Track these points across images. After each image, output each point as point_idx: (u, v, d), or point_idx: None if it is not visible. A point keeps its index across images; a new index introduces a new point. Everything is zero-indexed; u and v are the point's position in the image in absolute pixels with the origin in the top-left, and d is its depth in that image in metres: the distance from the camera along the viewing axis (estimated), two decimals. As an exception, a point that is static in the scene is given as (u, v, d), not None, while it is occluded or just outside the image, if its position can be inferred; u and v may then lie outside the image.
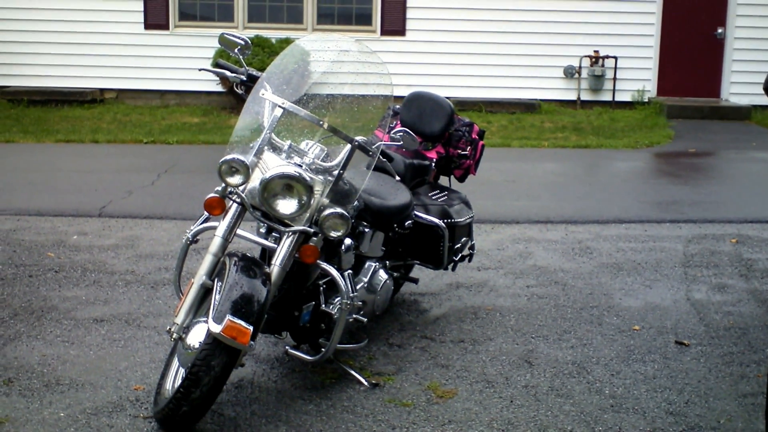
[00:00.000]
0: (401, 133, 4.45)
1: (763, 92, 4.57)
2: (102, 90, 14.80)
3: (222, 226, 4.01)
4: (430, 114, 5.53)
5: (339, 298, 4.16)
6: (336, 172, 4.07)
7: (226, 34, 4.48)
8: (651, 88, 15.15)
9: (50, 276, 5.95)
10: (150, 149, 11.54)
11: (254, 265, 3.89)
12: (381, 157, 4.29)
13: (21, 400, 4.10)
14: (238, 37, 4.45)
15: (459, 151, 5.59)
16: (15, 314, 5.22)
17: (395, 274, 5.18)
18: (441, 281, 6.01)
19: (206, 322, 3.67)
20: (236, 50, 4.44)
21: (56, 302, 5.45)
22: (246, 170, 3.90)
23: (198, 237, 4.28)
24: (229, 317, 3.60)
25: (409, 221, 4.90)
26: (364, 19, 14.89)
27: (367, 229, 4.56)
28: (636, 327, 5.29)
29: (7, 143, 11.59)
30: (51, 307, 5.36)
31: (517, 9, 14.69)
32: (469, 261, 5.69)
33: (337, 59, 4.53)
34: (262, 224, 4.19)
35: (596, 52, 14.80)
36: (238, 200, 4.00)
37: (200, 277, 3.91)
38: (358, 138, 4.07)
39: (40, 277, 5.91)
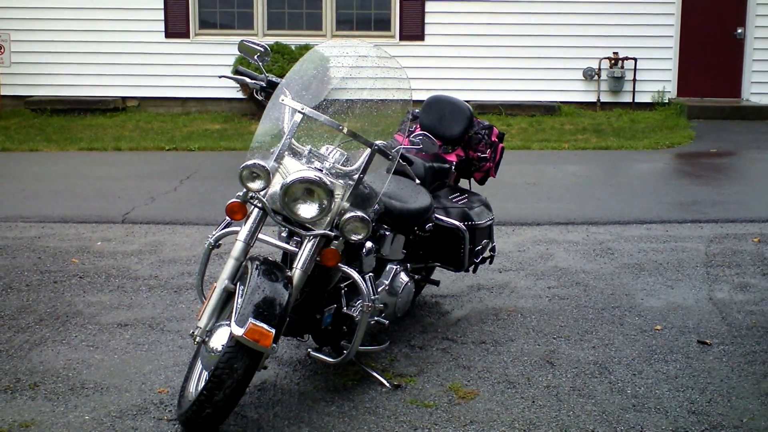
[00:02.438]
0: (421, 137, 4.48)
1: None
2: (124, 98, 14.91)
3: (244, 230, 4.04)
4: (450, 117, 5.55)
5: (360, 301, 4.19)
6: (356, 176, 4.09)
7: (246, 41, 4.53)
8: (671, 89, 15.10)
9: (75, 282, 6.02)
10: (172, 156, 11.62)
11: (276, 268, 3.93)
12: (401, 161, 4.31)
13: (47, 404, 4.15)
14: (258, 44, 4.49)
15: (479, 153, 5.61)
16: (40, 320, 5.28)
17: (416, 276, 5.20)
18: (462, 283, 6.03)
19: (229, 325, 3.71)
20: (256, 57, 4.48)
21: (81, 307, 5.51)
22: (267, 175, 3.94)
23: (220, 242, 4.31)
24: (251, 320, 3.63)
25: (430, 224, 4.93)
26: (383, 24, 14.93)
27: (387, 232, 4.58)
28: (658, 327, 5.28)
29: (32, 152, 11.71)
30: (76, 313, 5.41)
31: (535, 12, 14.69)
32: (490, 263, 5.70)
33: (356, 64, 4.56)
34: (283, 228, 4.22)
35: (615, 53, 14.77)
36: (260, 205, 4.03)
37: (223, 281, 3.95)
38: (378, 142, 4.10)
39: (65, 283, 5.98)
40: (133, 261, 6.54)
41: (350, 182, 4.10)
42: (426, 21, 14.79)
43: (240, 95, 14.32)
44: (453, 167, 5.51)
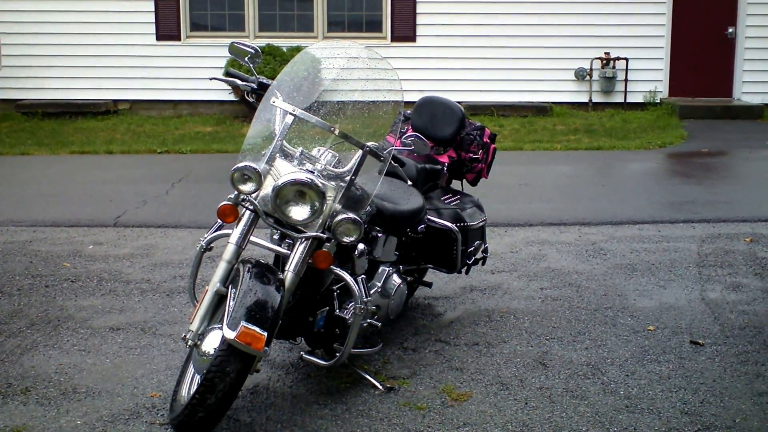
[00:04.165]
0: (412, 138, 4.47)
1: None
2: (115, 101, 14.87)
3: (235, 233, 4.03)
4: (441, 118, 5.55)
5: (353, 303, 4.18)
6: (348, 178, 4.09)
7: (237, 42, 4.51)
8: (663, 89, 15.12)
9: (66, 286, 6.00)
10: (164, 159, 11.60)
11: (268, 271, 3.92)
12: (393, 162, 4.31)
13: (38, 409, 4.13)
14: (248, 46, 4.48)
15: (471, 154, 5.60)
16: (32, 324, 5.26)
17: (409, 278, 5.19)
18: (455, 285, 6.02)
19: (221, 328, 3.70)
20: (246, 59, 4.47)
21: (72, 311, 5.49)
22: (258, 177, 3.93)
23: (212, 245, 4.30)
24: (243, 323, 3.62)
25: (422, 225, 4.92)
26: (375, 26, 14.92)
27: (380, 234, 4.57)
28: (650, 327, 5.29)
29: (23, 155, 11.67)
30: (67, 317, 5.39)
31: (526, 13, 14.69)
32: (483, 264, 5.70)
33: (347, 66, 4.55)
34: (275, 231, 4.21)
35: (607, 53, 14.79)
36: (251, 207, 4.03)
37: (214, 284, 3.93)
38: (370, 143, 4.10)
39: (57, 287, 5.95)
40: (125, 264, 6.52)
41: (342, 184, 4.09)
42: (417, 22, 14.79)
43: (232, 97, 14.30)
44: (445, 168, 5.50)
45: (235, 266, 3.97)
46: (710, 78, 15.22)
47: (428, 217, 5.04)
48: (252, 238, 4.08)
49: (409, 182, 5.03)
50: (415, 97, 5.72)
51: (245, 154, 4.11)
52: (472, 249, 5.38)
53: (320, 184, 3.94)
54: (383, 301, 4.63)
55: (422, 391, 4.39)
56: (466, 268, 5.44)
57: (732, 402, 4.28)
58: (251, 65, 4.49)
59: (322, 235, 4.02)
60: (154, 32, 14.75)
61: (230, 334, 3.60)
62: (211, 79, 5.27)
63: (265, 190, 4.00)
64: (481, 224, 5.46)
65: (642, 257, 6.74)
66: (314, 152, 4.19)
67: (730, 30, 15.11)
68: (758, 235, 7.37)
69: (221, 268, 3.96)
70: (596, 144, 12.45)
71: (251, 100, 4.59)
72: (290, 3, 14.87)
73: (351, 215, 4.00)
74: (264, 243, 4.19)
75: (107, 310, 5.53)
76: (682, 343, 5.05)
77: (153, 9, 14.67)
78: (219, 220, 4.13)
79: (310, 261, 4.03)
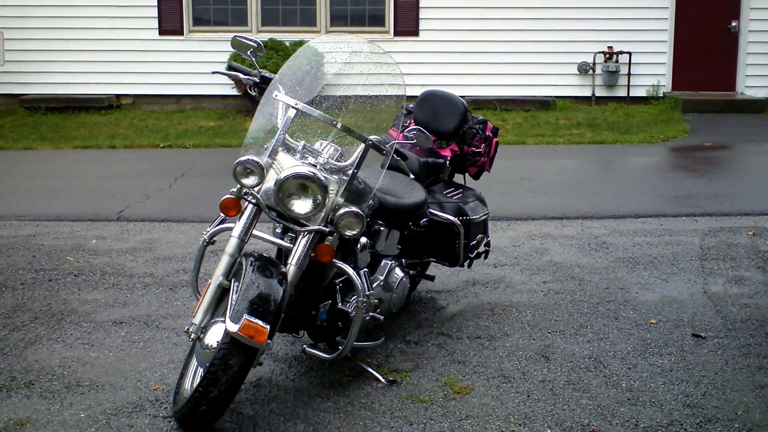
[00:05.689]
0: (415, 132, 4.48)
1: None
2: (118, 96, 14.87)
3: (238, 226, 4.04)
4: (444, 112, 5.55)
5: (355, 297, 4.18)
6: (350, 172, 4.09)
7: (239, 36, 4.51)
8: (666, 83, 15.10)
9: (69, 280, 6.01)
10: (167, 153, 11.61)
11: (270, 264, 3.93)
12: (395, 156, 4.31)
13: (42, 402, 4.15)
14: (250, 40, 4.48)
15: (473, 148, 5.61)
16: (35, 318, 5.28)
17: (411, 272, 5.19)
18: (457, 278, 6.03)
19: (224, 321, 3.70)
20: (249, 53, 4.47)
21: (76, 305, 5.50)
22: (261, 171, 3.94)
23: (215, 238, 4.31)
24: (246, 317, 3.63)
25: (425, 219, 4.92)
26: (377, 20, 14.90)
27: (382, 228, 4.57)
28: (653, 320, 5.29)
29: (26, 150, 11.69)
30: (71, 311, 5.41)
31: (529, 6, 14.68)
32: (485, 258, 5.70)
33: (349, 60, 4.56)
34: (277, 224, 4.22)
35: (610, 47, 14.77)
36: (254, 201, 4.03)
37: (217, 277, 3.95)
38: (372, 137, 4.09)
39: (60, 281, 5.97)
40: (128, 259, 6.53)
41: (344, 177, 4.09)
42: (420, 16, 14.78)
43: (235, 92, 14.30)
44: (447, 162, 5.51)
45: (238, 260, 3.98)
46: (713, 72, 15.19)
47: (431, 210, 5.05)
48: (254, 232, 4.10)
49: (412, 176, 5.01)
50: (417, 92, 5.72)
51: (248, 147, 4.12)
52: (474, 243, 5.38)
53: (322, 178, 3.95)
54: (386, 294, 4.64)
55: (425, 384, 4.40)
56: (468, 261, 5.45)
57: (734, 394, 4.29)
58: (254, 59, 4.49)
59: (324, 228, 4.03)
60: (157, 27, 14.75)
61: (233, 327, 3.61)
62: (213, 73, 5.28)
63: (268, 183, 4.01)
64: (483, 218, 5.46)
65: (644, 251, 6.75)
66: (316, 146, 4.19)
67: (734, 24, 15.08)
68: (760, 229, 7.37)
69: (224, 261, 3.97)
70: (599, 138, 12.45)
71: (254, 94, 4.60)
72: (293, -3, 14.88)
73: (353, 209, 4.00)
74: (266, 236, 4.19)
75: (110, 304, 5.54)
76: (684, 336, 5.06)
77: (156, 3, 14.67)
78: (222, 214, 4.13)
79: (312, 254, 4.04)
